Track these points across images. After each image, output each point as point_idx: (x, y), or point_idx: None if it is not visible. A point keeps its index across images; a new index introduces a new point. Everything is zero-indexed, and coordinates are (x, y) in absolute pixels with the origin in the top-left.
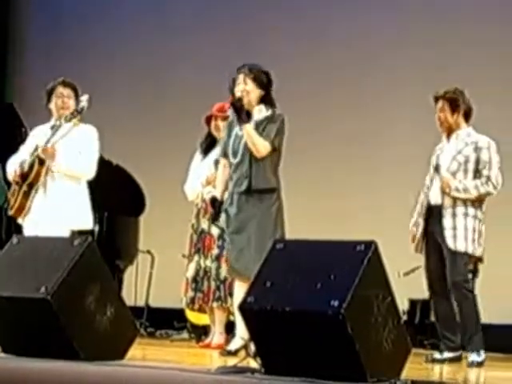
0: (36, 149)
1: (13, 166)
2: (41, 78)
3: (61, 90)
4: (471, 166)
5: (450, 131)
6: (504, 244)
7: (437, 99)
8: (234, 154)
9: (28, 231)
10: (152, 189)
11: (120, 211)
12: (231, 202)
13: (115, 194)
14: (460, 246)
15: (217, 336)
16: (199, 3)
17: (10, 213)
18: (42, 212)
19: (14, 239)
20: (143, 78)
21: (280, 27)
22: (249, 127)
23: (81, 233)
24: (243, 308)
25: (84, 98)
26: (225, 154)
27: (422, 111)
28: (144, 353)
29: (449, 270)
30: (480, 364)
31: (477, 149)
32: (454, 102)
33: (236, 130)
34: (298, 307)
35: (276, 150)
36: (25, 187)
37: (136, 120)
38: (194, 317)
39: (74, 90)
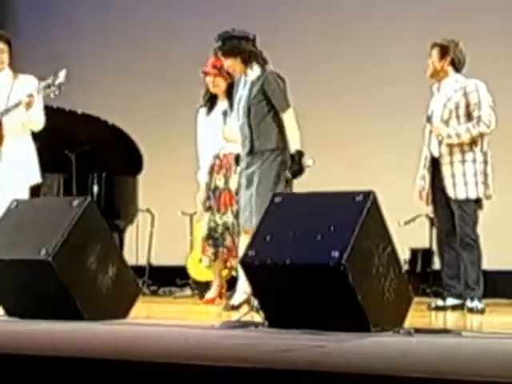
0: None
1: None
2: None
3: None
4: (462, 112)
5: (437, 79)
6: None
7: (431, 48)
8: (238, 117)
9: None
10: (150, 146)
11: (118, 171)
12: (242, 159)
13: (112, 153)
14: (460, 194)
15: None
16: None
17: None
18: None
19: (13, 203)
20: (140, 31)
21: None
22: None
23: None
24: (244, 262)
25: (62, 74)
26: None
27: (423, 62)
28: (147, 311)
29: (458, 224)
30: (482, 311)
31: (465, 94)
32: (444, 49)
33: (240, 89)
34: (299, 260)
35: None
36: None
37: (131, 77)
38: (196, 273)
39: (8, 43)
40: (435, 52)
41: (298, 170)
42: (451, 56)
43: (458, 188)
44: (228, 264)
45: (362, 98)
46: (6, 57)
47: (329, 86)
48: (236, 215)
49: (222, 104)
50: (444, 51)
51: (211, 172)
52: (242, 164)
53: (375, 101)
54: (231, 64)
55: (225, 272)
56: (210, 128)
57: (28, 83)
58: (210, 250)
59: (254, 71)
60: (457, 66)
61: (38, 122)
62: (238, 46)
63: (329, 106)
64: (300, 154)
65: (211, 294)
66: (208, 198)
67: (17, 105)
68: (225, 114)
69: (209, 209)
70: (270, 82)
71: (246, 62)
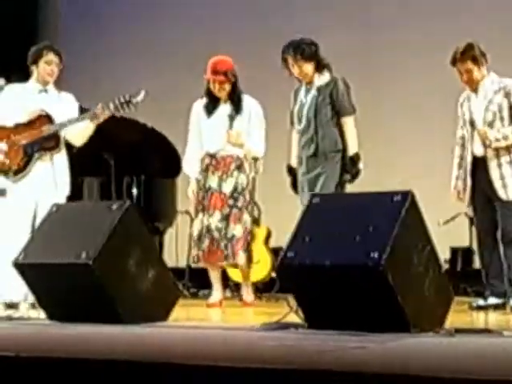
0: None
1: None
2: None
3: (51, 56)
4: (506, 113)
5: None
6: None
7: (455, 62)
8: (299, 121)
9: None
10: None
11: (156, 174)
12: (301, 163)
13: (151, 156)
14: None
15: (245, 294)
16: None
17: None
18: (46, 178)
19: (53, 207)
20: (181, 42)
21: None
22: None
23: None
24: (283, 263)
25: (141, 93)
26: (292, 122)
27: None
28: (188, 313)
29: (501, 222)
30: None
31: (507, 94)
32: (475, 58)
33: (301, 97)
34: (338, 261)
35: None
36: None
37: (169, 84)
38: (236, 274)
39: (61, 59)
40: (470, 65)
41: (356, 173)
42: (482, 60)
43: (510, 189)
44: (217, 265)
45: (397, 97)
46: (56, 70)
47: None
48: (225, 218)
49: (224, 107)
50: (476, 59)
51: (206, 171)
52: (302, 168)
53: (409, 99)
54: (307, 68)
55: (263, 274)
56: (212, 129)
57: (71, 99)
58: (194, 252)
59: (325, 76)
60: (487, 66)
61: (85, 136)
62: (316, 53)
63: (361, 107)
64: (358, 157)
65: (213, 298)
66: (203, 197)
67: (82, 118)
68: (231, 118)
69: (202, 209)
70: (339, 87)
71: (320, 68)
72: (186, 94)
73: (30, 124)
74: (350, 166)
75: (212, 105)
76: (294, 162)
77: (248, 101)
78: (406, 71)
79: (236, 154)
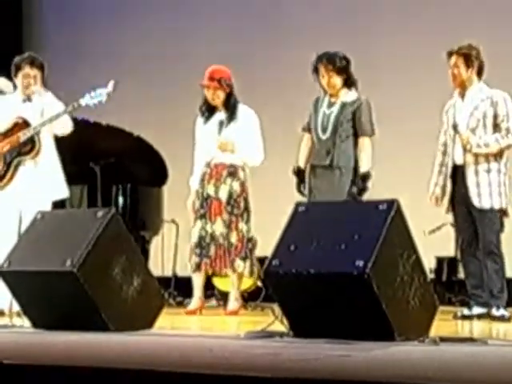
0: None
1: None
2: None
3: (27, 70)
4: (489, 121)
5: (462, 87)
6: None
7: (450, 54)
8: (324, 131)
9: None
10: (174, 158)
11: (143, 182)
12: (314, 172)
13: (137, 165)
14: (485, 203)
15: (231, 302)
16: None
17: None
18: (29, 184)
19: (38, 215)
20: (160, 53)
21: None
22: None
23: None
24: (268, 272)
25: (110, 84)
26: (309, 129)
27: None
28: (173, 322)
29: (479, 229)
30: (508, 319)
31: (493, 103)
32: (469, 57)
33: (323, 108)
34: (323, 269)
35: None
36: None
37: (155, 94)
38: (221, 284)
39: (41, 68)
40: (460, 61)
41: (363, 189)
42: (477, 64)
43: (484, 197)
44: (223, 271)
45: (384, 107)
46: (33, 82)
47: None
48: (227, 225)
49: (219, 114)
50: (470, 59)
51: (203, 180)
52: (315, 175)
53: (395, 110)
54: (336, 81)
55: (249, 283)
56: (207, 136)
57: (52, 99)
58: (194, 260)
59: (352, 94)
60: (481, 74)
61: (67, 124)
62: (348, 68)
63: None
64: (369, 175)
65: (192, 305)
66: (201, 206)
67: (57, 116)
68: (221, 124)
69: (202, 217)
70: (364, 108)
71: (348, 84)
72: (173, 104)
73: (7, 132)
74: (359, 182)
75: (208, 113)
76: (302, 165)
77: (244, 110)
78: (392, 83)
79: (229, 161)
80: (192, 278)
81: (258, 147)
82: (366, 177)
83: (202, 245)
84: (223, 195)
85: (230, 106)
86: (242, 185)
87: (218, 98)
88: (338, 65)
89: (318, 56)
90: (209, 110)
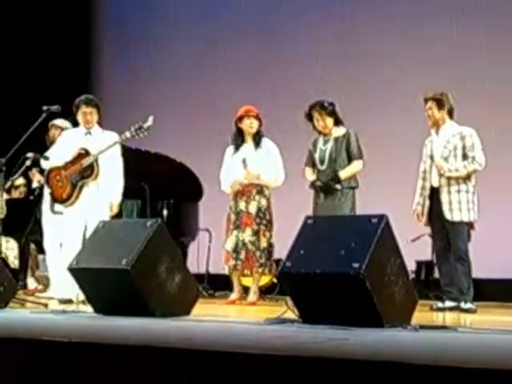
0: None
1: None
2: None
3: (84, 109)
4: (459, 152)
5: (437, 126)
6: (493, 211)
7: (426, 100)
8: (321, 163)
9: (71, 214)
10: (209, 179)
11: (183, 198)
12: (318, 193)
13: (179, 185)
14: (456, 217)
15: (251, 295)
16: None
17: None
18: (92, 201)
19: (100, 224)
20: (194, 86)
21: None
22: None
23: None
24: (283, 272)
25: (150, 119)
26: (312, 164)
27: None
28: (206, 310)
29: (451, 239)
30: (474, 311)
31: (462, 137)
32: (440, 101)
33: (320, 145)
34: (326, 270)
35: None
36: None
37: (194, 128)
38: (243, 279)
39: (96, 106)
40: (433, 105)
41: (327, 184)
42: (447, 107)
43: (455, 213)
44: (246, 272)
45: (371, 127)
46: (94, 118)
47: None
48: (256, 233)
49: (247, 145)
50: (441, 103)
51: (235, 197)
52: (320, 197)
53: (382, 131)
54: (329, 122)
55: (266, 280)
56: (233, 166)
57: (113, 136)
58: (232, 262)
59: (341, 129)
60: (451, 114)
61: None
62: (335, 110)
63: None
64: (338, 178)
65: (232, 296)
66: (236, 218)
67: (109, 146)
68: (244, 162)
69: (237, 227)
70: (352, 138)
71: (337, 123)
72: (207, 136)
73: (73, 161)
74: (329, 176)
75: (240, 142)
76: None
77: (266, 142)
78: (383, 109)
79: (256, 182)
80: (230, 277)
81: (278, 170)
82: (335, 178)
83: (236, 250)
84: (253, 209)
85: (257, 138)
86: (268, 200)
87: (253, 128)
88: (329, 109)
89: (310, 105)
90: (240, 140)
